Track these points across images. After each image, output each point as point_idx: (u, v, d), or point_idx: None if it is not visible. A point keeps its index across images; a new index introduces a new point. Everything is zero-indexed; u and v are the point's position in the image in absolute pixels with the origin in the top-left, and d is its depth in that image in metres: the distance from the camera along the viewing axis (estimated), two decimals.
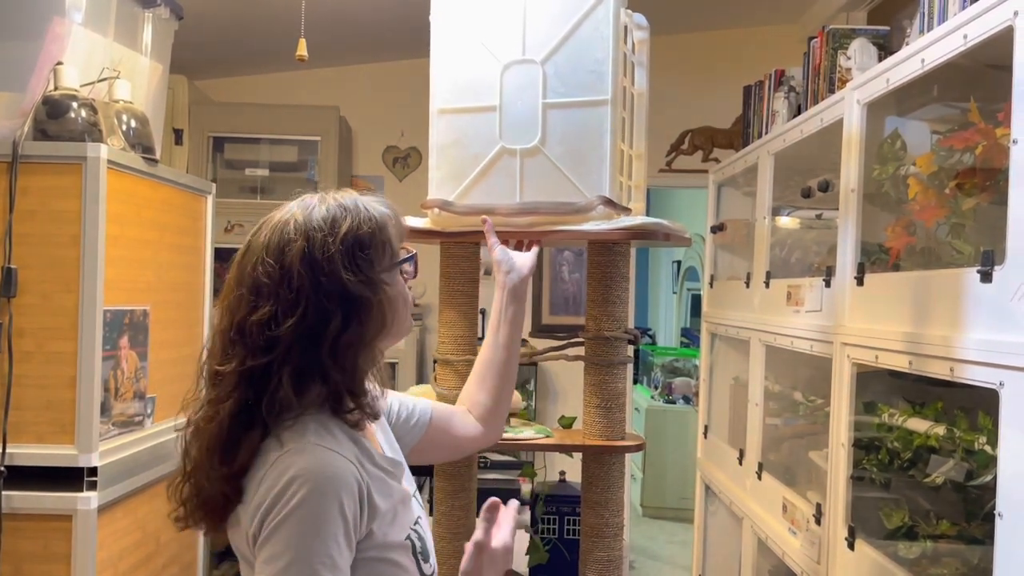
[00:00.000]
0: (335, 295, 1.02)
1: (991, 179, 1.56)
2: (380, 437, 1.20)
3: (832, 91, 2.22)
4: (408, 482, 1.17)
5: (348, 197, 1.09)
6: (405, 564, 1.05)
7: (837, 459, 1.91)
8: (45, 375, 1.95)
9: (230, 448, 1.01)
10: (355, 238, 1.04)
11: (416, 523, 1.11)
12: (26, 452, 1.94)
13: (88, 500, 1.94)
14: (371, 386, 1.11)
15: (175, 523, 1.08)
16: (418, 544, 1.09)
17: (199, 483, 1.04)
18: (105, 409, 2.00)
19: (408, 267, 1.14)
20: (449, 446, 1.38)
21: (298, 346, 1.01)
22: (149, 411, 2.24)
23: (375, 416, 1.10)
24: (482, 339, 1.48)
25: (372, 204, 1.10)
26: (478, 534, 1.09)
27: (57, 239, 1.96)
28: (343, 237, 1.03)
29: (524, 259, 1.48)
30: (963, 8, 1.57)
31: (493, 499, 1.11)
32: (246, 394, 1.01)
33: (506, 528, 1.11)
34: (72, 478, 1.94)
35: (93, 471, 1.95)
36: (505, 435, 1.83)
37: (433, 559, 1.13)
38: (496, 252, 1.47)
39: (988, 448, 1.48)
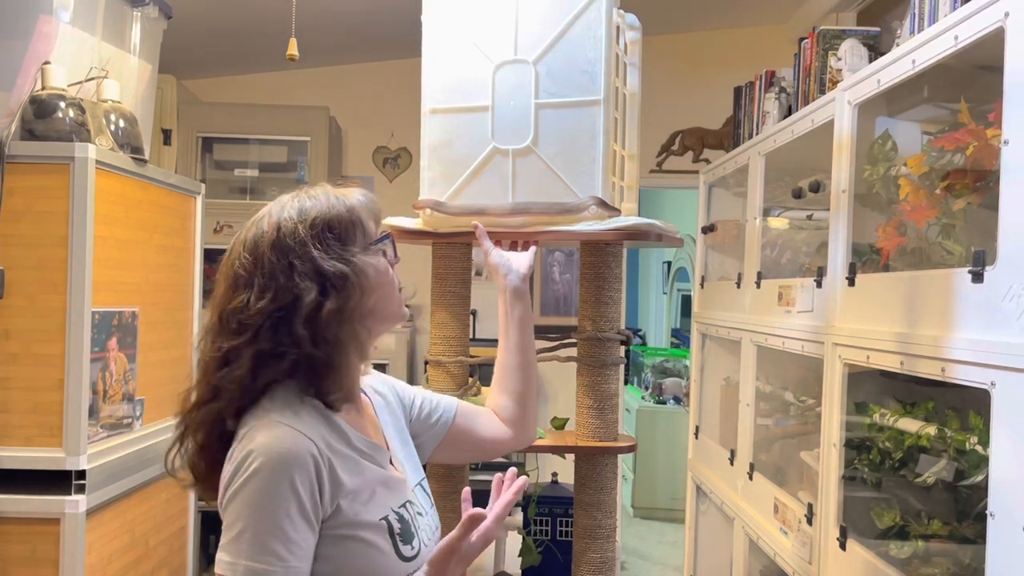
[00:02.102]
0: (308, 273, 1.07)
1: (981, 180, 1.56)
2: (391, 431, 1.23)
3: (823, 92, 2.23)
4: (406, 468, 1.20)
5: (319, 190, 1.14)
6: (378, 543, 1.07)
7: (828, 459, 1.91)
8: (32, 377, 1.93)
9: (198, 426, 1.09)
10: (324, 222, 1.10)
11: (403, 506, 1.13)
12: (13, 455, 1.92)
13: (76, 503, 1.92)
14: (361, 367, 1.17)
15: (184, 487, 1.15)
16: (397, 526, 1.10)
17: (191, 458, 1.11)
18: (93, 411, 1.99)
19: (387, 249, 1.17)
20: (475, 447, 1.39)
21: (267, 325, 1.05)
22: (138, 413, 2.23)
23: (348, 399, 1.13)
24: (474, 340, 1.47)
25: (343, 192, 1.15)
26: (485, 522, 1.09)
27: (44, 240, 1.94)
28: (312, 222, 1.09)
29: (521, 259, 1.48)
30: (954, 9, 1.57)
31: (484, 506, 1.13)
32: (214, 378, 1.07)
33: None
34: (60, 481, 1.93)
35: (81, 474, 1.94)
36: None
37: (419, 542, 1.13)
38: (492, 256, 1.47)
39: (979, 448, 1.48)
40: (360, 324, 1.11)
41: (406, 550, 1.10)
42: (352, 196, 1.15)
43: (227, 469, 1.03)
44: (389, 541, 1.08)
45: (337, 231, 1.10)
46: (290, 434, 1.03)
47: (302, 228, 1.09)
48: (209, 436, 1.08)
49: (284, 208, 1.11)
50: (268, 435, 1.02)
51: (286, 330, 1.06)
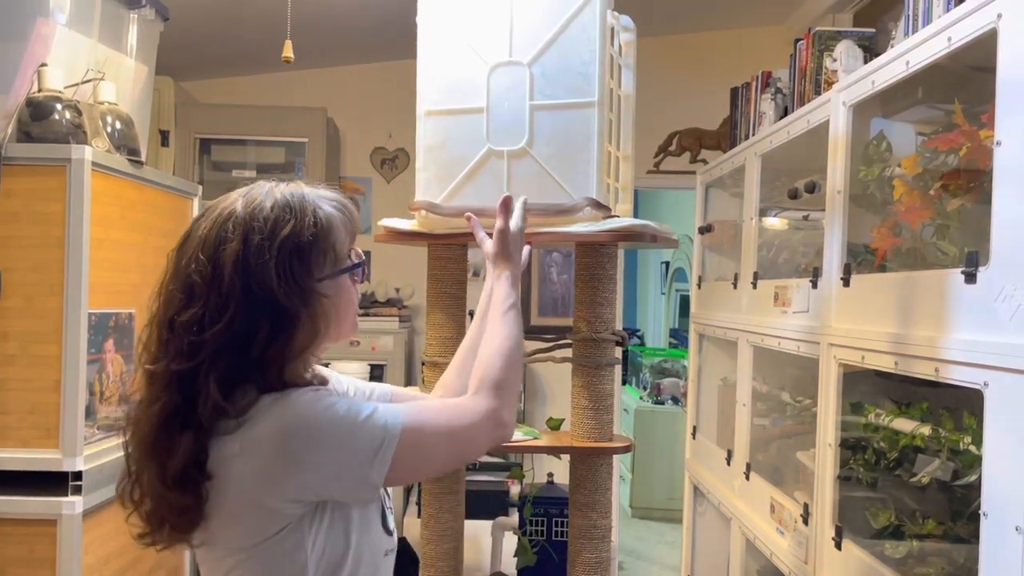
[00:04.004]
0: (265, 304, 0.99)
1: (975, 180, 1.57)
2: None
3: (818, 93, 2.23)
4: None
5: (297, 192, 1.06)
6: (371, 515, 1.09)
7: (824, 459, 1.91)
8: (29, 378, 1.93)
9: (163, 451, 0.99)
10: (295, 244, 1.01)
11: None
12: (10, 456, 1.92)
13: (73, 504, 1.93)
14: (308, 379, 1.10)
15: (138, 540, 1.05)
16: (388, 502, 1.14)
17: (154, 491, 1.01)
18: (90, 413, 1.99)
19: (355, 272, 1.11)
20: None
21: (225, 353, 0.98)
22: None
23: None
24: None
25: (322, 203, 1.06)
26: (498, 224, 1.33)
27: (41, 241, 1.94)
28: (281, 242, 1.00)
29: None
30: (947, 11, 1.57)
31: (506, 195, 1.35)
32: (175, 398, 0.99)
33: (516, 214, 1.36)
34: (57, 482, 1.93)
35: (78, 475, 1.94)
36: None
37: (392, 528, 1.16)
38: (486, 246, 1.46)
39: (973, 448, 1.49)
40: (310, 352, 1.07)
41: (389, 525, 1.12)
42: (331, 205, 1.07)
43: (260, 433, 0.97)
44: (379, 514, 1.10)
45: (305, 259, 1.02)
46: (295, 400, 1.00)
47: (268, 248, 0.99)
48: (184, 460, 0.99)
49: (254, 211, 1.02)
50: (278, 409, 0.99)
51: (242, 357, 0.99)
